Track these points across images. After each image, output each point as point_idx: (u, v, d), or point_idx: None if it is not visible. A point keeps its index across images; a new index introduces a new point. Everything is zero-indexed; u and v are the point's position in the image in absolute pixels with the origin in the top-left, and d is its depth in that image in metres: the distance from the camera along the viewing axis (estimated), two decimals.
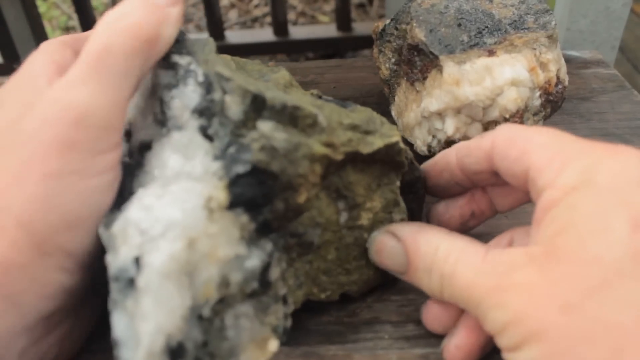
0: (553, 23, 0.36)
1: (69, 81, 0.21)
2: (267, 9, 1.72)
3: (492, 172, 0.26)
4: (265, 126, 0.22)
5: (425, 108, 0.35)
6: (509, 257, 0.21)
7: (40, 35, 1.24)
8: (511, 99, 0.33)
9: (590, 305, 0.19)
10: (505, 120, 0.34)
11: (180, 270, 0.21)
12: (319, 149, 0.23)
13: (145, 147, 0.24)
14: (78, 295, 0.23)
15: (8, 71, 1.25)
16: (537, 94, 0.35)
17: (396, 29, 0.39)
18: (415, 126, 0.37)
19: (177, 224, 0.21)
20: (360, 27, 1.41)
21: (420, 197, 0.30)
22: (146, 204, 0.21)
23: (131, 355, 0.20)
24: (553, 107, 0.37)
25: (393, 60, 0.40)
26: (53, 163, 0.21)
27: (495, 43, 0.34)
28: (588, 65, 0.51)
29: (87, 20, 1.29)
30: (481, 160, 0.26)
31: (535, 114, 0.36)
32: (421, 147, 0.37)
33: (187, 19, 1.75)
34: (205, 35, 1.42)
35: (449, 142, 0.35)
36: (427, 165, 0.29)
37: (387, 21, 0.40)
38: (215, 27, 1.37)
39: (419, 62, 0.36)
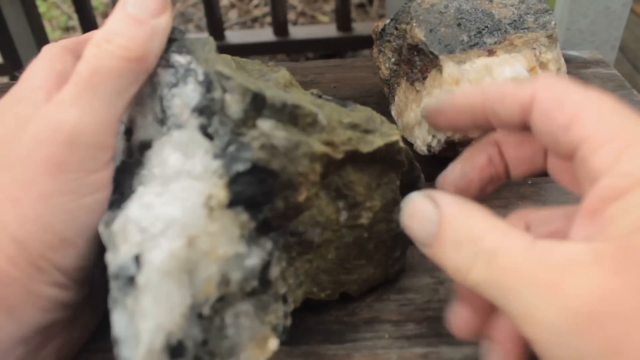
0: (553, 23, 0.36)
1: (60, 102, 0.22)
2: (267, 9, 1.72)
3: (523, 126, 0.22)
4: (265, 125, 0.22)
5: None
6: (569, 250, 0.18)
7: (40, 35, 1.24)
8: None
9: None
10: None
11: (180, 268, 0.21)
12: (319, 147, 0.23)
13: (146, 146, 0.24)
14: (74, 308, 0.24)
15: (8, 71, 1.25)
16: None
17: (396, 28, 0.39)
18: (415, 126, 0.37)
19: (177, 222, 0.21)
20: (360, 27, 1.41)
21: None
22: (146, 202, 0.21)
23: (131, 353, 0.20)
24: None
25: (393, 60, 0.40)
26: (46, 183, 0.21)
27: (495, 43, 0.34)
28: (588, 65, 0.51)
29: (87, 20, 1.29)
30: (515, 113, 0.22)
31: None
32: (421, 147, 0.37)
33: (187, 19, 1.75)
34: (205, 35, 1.42)
35: (449, 142, 0.35)
36: (444, 103, 0.25)
37: (387, 21, 0.41)
38: (215, 27, 1.37)
39: (418, 62, 0.36)
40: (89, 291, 0.24)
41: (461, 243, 0.20)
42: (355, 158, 0.25)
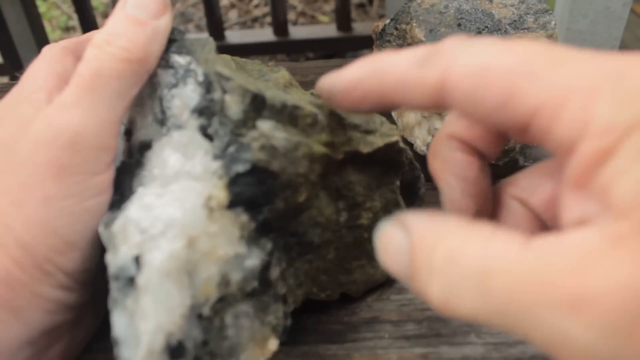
0: (553, 23, 0.36)
1: (62, 104, 0.22)
2: (267, 9, 1.72)
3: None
4: (265, 125, 0.22)
5: None
6: (575, 244, 0.14)
7: (40, 35, 1.24)
8: None
9: None
10: None
11: (180, 269, 0.21)
12: (318, 148, 0.23)
13: (145, 147, 0.24)
14: (78, 310, 0.24)
15: (8, 71, 1.25)
16: None
17: (396, 29, 0.39)
18: (415, 126, 0.37)
19: (177, 223, 0.21)
20: (360, 27, 1.41)
21: (420, 197, 0.30)
22: (146, 203, 0.21)
23: (131, 354, 0.20)
24: None
25: None
26: (50, 187, 0.21)
27: None
28: None
29: (87, 20, 1.29)
30: (424, 100, 0.18)
31: None
32: (421, 147, 0.37)
33: (187, 19, 1.75)
34: (205, 35, 1.42)
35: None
36: (333, 86, 0.21)
37: (387, 21, 0.41)
38: (215, 27, 1.37)
39: None
40: (93, 292, 0.24)
41: (439, 269, 0.16)
42: (355, 158, 0.25)
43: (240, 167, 0.22)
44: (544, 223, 0.20)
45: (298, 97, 0.25)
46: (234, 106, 0.22)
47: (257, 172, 0.22)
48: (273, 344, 0.23)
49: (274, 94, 0.23)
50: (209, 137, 0.22)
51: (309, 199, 0.24)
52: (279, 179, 0.22)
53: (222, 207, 0.22)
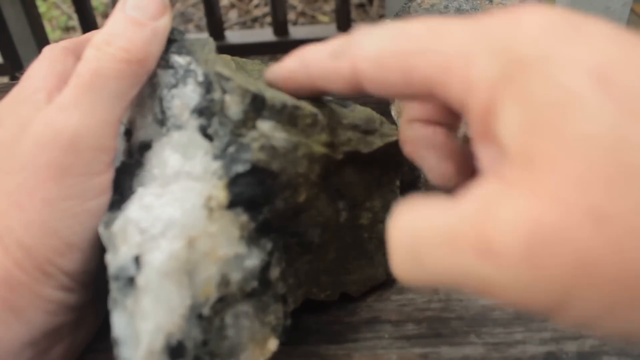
0: None
1: (61, 105, 0.22)
2: (267, 9, 1.72)
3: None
4: (265, 126, 0.22)
5: None
6: (478, 193, 0.15)
7: (40, 35, 1.23)
8: None
9: (625, 203, 0.13)
10: None
11: (180, 269, 0.21)
12: (318, 148, 0.23)
13: (145, 147, 0.24)
14: (79, 310, 0.24)
15: (8, 71, 1.25)
16: None
17: None
18: None
19: (177, 223, 0.21)
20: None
21: None
22: (146, 203, 0.21)
23: (131, 354, 0.20)
24: None
25: None
26: (50, 188, 0.21)
27: None
28: None
29: (87, 20, 1.28)
30: (345, 88, 0.20)
31: None
32: None
33: (187, 19, 1.75)
34: (205, 35, 1.42)
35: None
36: (273, 76, 0.23)
37: (387, 21, 0.41)
38: (215, 27, 1.37)
39: None
40: (94, 293, 0.24)
41: (390, 246, 0.17)
42: (355, 159, 0.25)
43: (240, 168, 0.22)
44: None
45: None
46: (234, 106, 0.22)
47: (257, 172, 0.22)
48: (273, 344, 0.23)
49: (273, 94, 0.23)
50: (208, 137, 0.22)
51: (308, 199, 0.24)
52: (278, 179, 0.22)
53: (222, 207, 0.22)
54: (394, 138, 0.26)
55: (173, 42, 0.24)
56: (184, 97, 0.23)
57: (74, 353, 0.25)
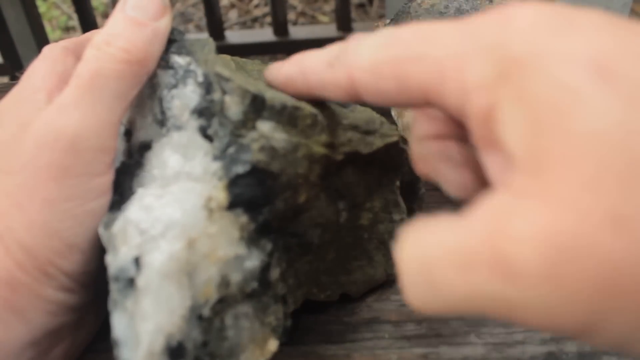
0: None
1: (61, 105, 0.22)
2: (267, 9, 1.72)
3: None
4: (264, 126, 0.22)
5: None
6: (489, 207, 0.14)
7: (40, 35, 1.23)
8: None
9: None
10: None
11: (180, 270, 0.21)
12: (318, 149, 0.23)
13: (145, 147, 0.24)
14: (80, 311, 0.24)
15: (8, 71, 1.25)
16: None
17: None
18: None
19: (177, 224, 0.21)
20: (360, 27, 1.41)
21: (420, 197, 0.30)
22: (146, 204, 0.21)
23: (131, 355, 0.20)
24: None
25: None
26: (51, 189, 0.21)
27: None
28: None
29: (87, 20, 1.28)
30: (342, 96, 0.20)
31: None
32: None
33: (187, 19, 1.75)
34: (205, 35, 1.42)
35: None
36: (272, 79, 0.23)
37: (387, 21, 0.41)
38: (215, 27, 1.37)
39: None
40: (94, 294, 0.24)
41: (401, 274, 0.16)
42: (355, 159, 0.25)
43: (240, 168, 0.22)
44: None
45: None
46: (234, 107, 0.22)
47: (257, 173, 0.22)
48: (273, 345, 0.23)
49: (273, 95, 0.23)
50: (208, 138, 0.22)
51: (308, 199, 0.24)
52: (278, 179, 0.22)
53: (222, 208, 0.22)
54: (394, 138, 0.26)
55: (173, 42, 0.24)
56: (183, 98, 0.23)
57: (75, 353, 0.25)
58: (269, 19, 1.67)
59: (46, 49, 0.25)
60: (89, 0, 1.28)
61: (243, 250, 0.22)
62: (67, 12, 1.79)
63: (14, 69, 1.22)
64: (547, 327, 0.14)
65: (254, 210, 0.22)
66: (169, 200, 0.21)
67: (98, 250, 0.23)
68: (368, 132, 0.26)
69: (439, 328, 0.27)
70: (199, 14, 1.73)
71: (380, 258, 0.28)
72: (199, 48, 0.24)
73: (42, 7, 1.73)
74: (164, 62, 0.23)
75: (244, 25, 1.72)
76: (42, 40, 1.24)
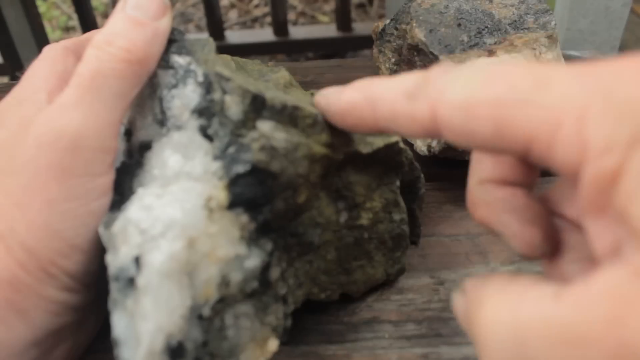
0: (553, 23, 0.36)
1: (62, 105, 0.22)
2: (267, 9, 1.72)
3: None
4: (265, 126, 0.22)
5: None
6: (606, 286, 0.13)
7: (40, 35, 1.23)
8: None
9: None
10: None
11: (180, 269, 0.21)
12: (318, 149, 0.23)
13: (145, 147, 0.24)
14: (83, 311, 0.24)
15: (8, 71, 1.25)
16: None
17: (396, 29, 0.39)
18: None
19: (177, 224, 0.21)
20: (360, 27, 1.41)
21: (420, 197, 0.30)
22: (146, 204, 0.21)
23: (131, 355, 0.20)
24: None
25: (393, 60, 0.40)
26: (52, 189, 0.21)
27: (495, 43, 0.34)
28: None
29: (87, 20, 1.28)
30: (417, 132, 0.18)
31: None
32: (421, 147, 0.37)
33: (187, 19, 1.75)
34: (205, 35, 1.43)
35: (449, 142, 0.35)
36: (330, 105, 0.21)
37: (387, 21, 0.41)
38: (215, 27, 1.37)
39: (418, 62, 0.36)
40: (96, 293, 0.24)
41: (482, 337, 0.15)
42: (355, 159, 0.25)
43: (240, 168, 0.22)
44: None
45: (298, 98, 0.25)
46: (234, 107, 0.22)
47: (257, 172, 0.22)
48: (273, 345, 0.23)
49: (274, 95, 0.23)
50: (209, 137, 0.22)
51: (309, 199, 0.24)
52: (278, 179, 0.22)
53: (222, 207, 0.22)
54: (394, 138, 0.26)
55: (173, 42, 0.24)
56: (184, 98, 0.23)
57: (76, 353, 0.25)
58: (269, 19, 1.67)
59: (46, 49, 0.25)
60: (89, 0, 1.28)
61: (243, 249, 0.22)
62: (67, 12, 1.78)
63: (14, 69, 1.21)
64: None
65: (254, 209, 0.22)
66: (169, 200, 0.21)
67: (99, 251, 0.23)
68: None
69: (439, 328, 0.27)
70: (199, 14, 1.73)
71: (380, 258, 0.28)
72: (199, 48, 0.24)
73: (42, 7, 1.73)
74: (164, 62, 0.23)
75: (244, 25, 1.72)
76: (42, 40, 1.24)
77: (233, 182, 0.22)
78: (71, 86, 0.22)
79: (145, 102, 0.24)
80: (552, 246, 0.18)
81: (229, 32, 1.48)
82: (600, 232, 0.14)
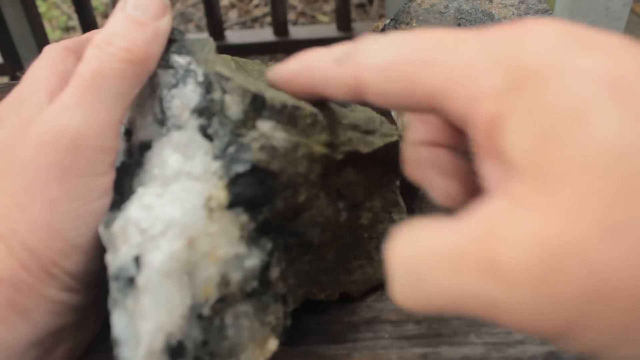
0: None
1: (63, 105, 0.22)
2: (267, 9, 1.72)
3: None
4: (265, 126, 0.22)
5: None
6: (486, 212, 0.15)
7: (40, 35, 1.24)
8: None
9: (638, 212, 0.13)
10: None
11: (180, 269, 0.21)
12: (318, 148, 0.23)
13: (145, 147, 0.24)
14: (84, 311, 0.24)
15: (8, 71, 1.25)
16: None
17: (396, 29, 0.39)
18: None
19: (177, 223, 0.21)
20: (360, 27, 1.41)
21: (420, 197, 0.30)
22: (146, 203, 0.21)
23: (131, 354, 0.20)
24: None
25: None
26: (54, 189, 0.21)
27: None
28: None
29: (87, 20, 1.29)
30: (345, 95, 0.20)
31: None
32: None
33: (187, 19, 1.75)
34: (205, 35, 1.43)
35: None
36: (276, 77, 0.23)
37: (387, 21, 0.41)
38: (215, 27, 1.37)
39: None
40: (96, 294, 0.24)
41: (390, 274, 0.16)
42: (355, 159, 0.25)
43: (240, 168, 0.22)
44: None
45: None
46: (234, 106, 0.22)
47: (257, 172, 0.22)
48: (273, 344, 0.23)
49: (274, 94, 0.23)
50: (209, 137, 0.22)
51: (308, 199, 0.24)
52: (278, 179, 0.22)
53: (222, 207, 0.22)
54: (394, 138, 0.26)
55: (173, 42, 0.24)
56: (184, 97, 0.23)
57: (77, 353, 0.25)
58: (269, 19, 1.67)
59: (47, 49, 0.25)
60: (89, 0, 1.28)
61: (243, 249, 0.22)
62: (67, 12, 1.79)
63: (14, 69, 1.22)
64: (526, 329, 0.14)
65: (254, 209, 0.22)
66: (169, 200, 0.21)
67: (100, 250, 0.23)
68: (368, 132, 0.26)
69: (439, 328, 0.27)
70: (199, 14, 1.73)
71: (380, 258, 0.28)
72: (199, 48, 0.24)
73: (42, 7, 1.73)
74: (164, 61, 0.23)
75: (244, 25, 1.72)
76: (42, 40, 1.24)
77: (233, 182, 0.22)
78: (72, 86, 0.22)
79: (145, 102, 0.24)
80: (471, 198, 0.19)
81: (229, 32, 1.48)
82: (490, 173, 0.16)
